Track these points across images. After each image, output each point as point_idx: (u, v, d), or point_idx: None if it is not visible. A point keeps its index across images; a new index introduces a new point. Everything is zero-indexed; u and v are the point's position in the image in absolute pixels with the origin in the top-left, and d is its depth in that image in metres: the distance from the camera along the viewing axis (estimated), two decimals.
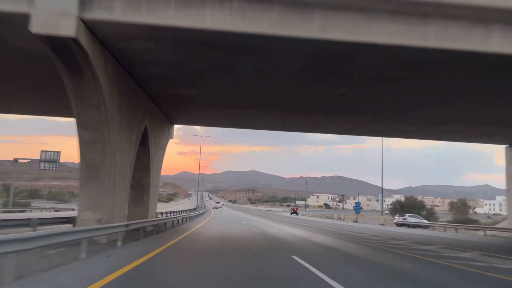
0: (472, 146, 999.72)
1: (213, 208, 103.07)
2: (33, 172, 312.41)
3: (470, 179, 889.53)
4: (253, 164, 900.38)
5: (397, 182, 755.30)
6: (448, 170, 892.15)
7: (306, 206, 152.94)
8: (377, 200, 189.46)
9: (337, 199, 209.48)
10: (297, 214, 75.84)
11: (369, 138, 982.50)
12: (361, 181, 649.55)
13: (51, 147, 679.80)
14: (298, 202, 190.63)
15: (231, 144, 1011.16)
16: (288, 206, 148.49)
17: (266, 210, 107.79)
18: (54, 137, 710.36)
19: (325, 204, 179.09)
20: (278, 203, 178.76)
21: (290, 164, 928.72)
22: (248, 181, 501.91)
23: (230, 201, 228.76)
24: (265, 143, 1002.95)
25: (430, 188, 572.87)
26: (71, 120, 15.82)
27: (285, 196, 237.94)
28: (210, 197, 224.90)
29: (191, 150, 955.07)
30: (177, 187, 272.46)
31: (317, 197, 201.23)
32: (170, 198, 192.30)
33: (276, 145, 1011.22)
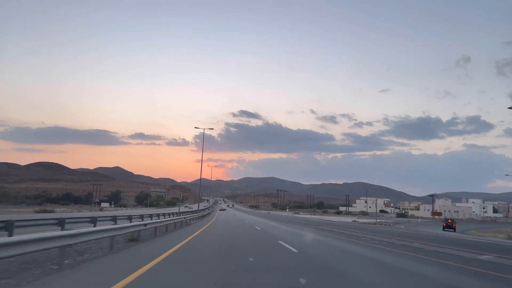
0: (495, 151, 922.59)
1: (220, 210, 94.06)
2: (23, 175, 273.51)
3: (495, 186, 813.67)
4: (271, 171, 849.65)
5: (419, 189, 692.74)
6: (471, 177, 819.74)
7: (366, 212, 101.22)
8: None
9: (391, 205, 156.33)
10: (455, 230, 42.58)
11: (389, 145, 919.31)
12: (384, 187, 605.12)
13: (69, 155, 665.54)
14: (342, 209, 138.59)
15: (248, 151, 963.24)
16: (338, 213, 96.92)
17: (354, 221, 56.11)
18: (74, 145, 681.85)
19: (381, 210, 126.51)
20: (318, 210, 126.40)
21: (308, 171, 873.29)
22: (266, 188, 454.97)
23: (251, 206, 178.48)
24: (282, 150, 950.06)
25: (456, 195, 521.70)
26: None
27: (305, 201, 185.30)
28: (224, 201, 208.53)
29: (209, 157, 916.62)
30: (187, 191, 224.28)
31: (366, 201, 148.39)
32: (172, 202, 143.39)
33: (293, 152, 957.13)
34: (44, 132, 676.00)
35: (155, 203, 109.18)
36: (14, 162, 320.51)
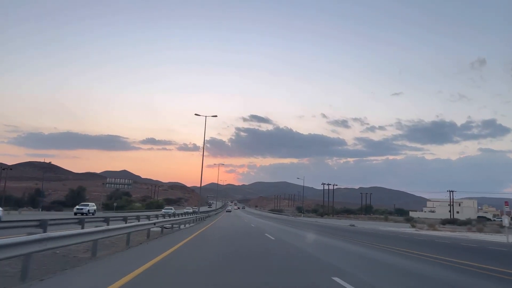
0: (511, 156, 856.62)
1: (226, 211, 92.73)
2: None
3: (511, 191, 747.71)
4: (282, 176, 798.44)
5: (436, 194, 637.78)
6: (487, 182, 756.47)
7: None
8: None
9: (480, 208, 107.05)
10: None
11: (402, 149, 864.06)
12: (403, 192, 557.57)
13: (80, 160, 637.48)
14: (413, 214, 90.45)
15: (259, 156, 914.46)
16: (451, 223, 49.88)
17: None
18: (86, 150, 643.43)
19: (480, 217, 78.13)
20: (380, 216, 77.96)
21: (320, 176, 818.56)
22: (278, 192, 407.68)
23: (272, 210, 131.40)
24: (293, 155, 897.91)
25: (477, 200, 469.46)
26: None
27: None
28: (235, 204, 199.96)
29: (220, 162, 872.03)
30: (189, 192, 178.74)
31: (433, 204, 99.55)
32: (162, 203, 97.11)
33: (304, 157, 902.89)
34: (57, 138, 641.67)
35: (117, 205, 63.51)
36: (2, 162, 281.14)
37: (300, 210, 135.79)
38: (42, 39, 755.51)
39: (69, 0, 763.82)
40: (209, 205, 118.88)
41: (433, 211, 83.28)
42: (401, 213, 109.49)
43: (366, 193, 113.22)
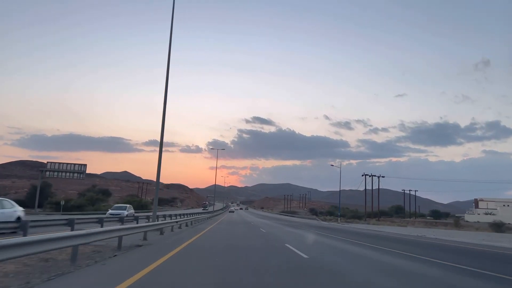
0: None
1: (229, 211, 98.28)
2: None
3: None
4: (285, 177, 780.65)
5: (441, 196, 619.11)
6: (491, 184, 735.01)
7: None
8: None
9: None
10: None
11: (406, 151, 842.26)
12: (407, 193, 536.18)
13: (83, 162, 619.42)
14: (470, 218, 71.36)
15: (261, 158, 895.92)
16: None
17: None
18: (89, 152, 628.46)
19: None
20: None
21: (323, 178, 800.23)
22: (281, 194, 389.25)
23: (283, 212, 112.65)
24: (296, 157, 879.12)
25: None
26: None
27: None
28: (237, 204, 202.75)
29: (222, 164, 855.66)
30: (188, 192, 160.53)
31: (487, 204, 79.99)
32: (146, 203, 78.37)
33: (307, 159, 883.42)
34: (59, 140, 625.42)
35: (73, 204, 45.18)
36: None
37: (314, 212, 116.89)
38: (46, 42, 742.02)
39: (73, 4, 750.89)
40: (204, 207, 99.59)
41: (491, 213, 64.62)
42: (437, 216, 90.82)
43: (410, 190, 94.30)
